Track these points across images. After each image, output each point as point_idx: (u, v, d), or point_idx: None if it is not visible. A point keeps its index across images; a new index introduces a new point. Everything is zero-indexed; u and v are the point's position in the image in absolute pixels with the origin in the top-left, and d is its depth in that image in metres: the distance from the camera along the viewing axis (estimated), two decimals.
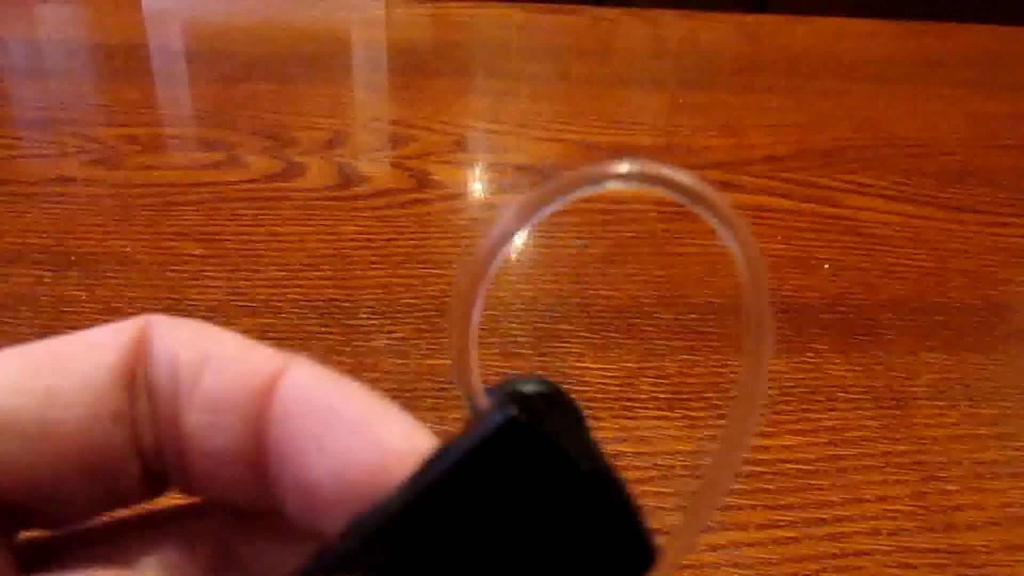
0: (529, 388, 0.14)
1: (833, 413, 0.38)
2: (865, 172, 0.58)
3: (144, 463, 0.15)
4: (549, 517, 0.14)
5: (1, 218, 0.48)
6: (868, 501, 0.34)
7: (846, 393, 0.39)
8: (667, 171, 0.13)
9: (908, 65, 0.78)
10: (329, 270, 0.45)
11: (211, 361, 0.14)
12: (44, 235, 0.46)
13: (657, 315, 0.43)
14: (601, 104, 0.66)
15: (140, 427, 0.14)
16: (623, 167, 0.13)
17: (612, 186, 0.13)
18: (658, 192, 0.13)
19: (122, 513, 0.16)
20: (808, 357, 0.41)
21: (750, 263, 0.13)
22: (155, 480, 0.15)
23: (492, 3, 0.84)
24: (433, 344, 0.40)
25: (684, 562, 0.14)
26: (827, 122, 0.65)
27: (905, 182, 0.57)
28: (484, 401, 0.14)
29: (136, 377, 0.14)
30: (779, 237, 0.50)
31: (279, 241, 0.47)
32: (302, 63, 0.69)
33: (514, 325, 0.42)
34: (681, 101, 0.68)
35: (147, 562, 0.15)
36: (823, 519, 0.34)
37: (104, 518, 0.15)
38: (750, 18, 0.87)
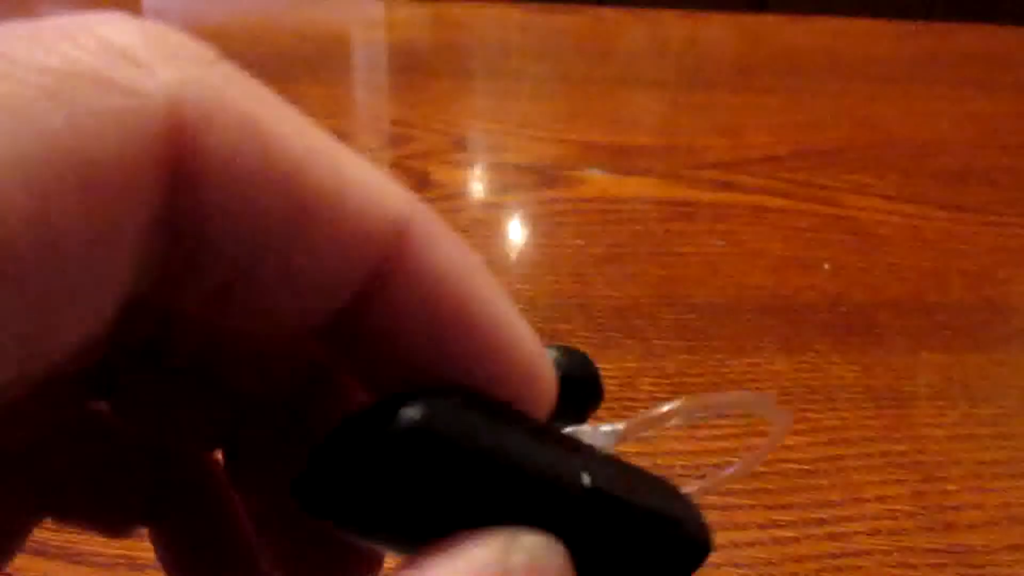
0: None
1: (833, 413, 0.38)
2: (865, 172, 0.58)
3: None
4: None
5: None
6: (868, 501, 0.34)
7: (846, 393, 0.39)
8: None
9: (908, 65, 0.78)
10: None
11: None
12: None
13: (657, 315, 0.43)
14: (601, 104, 0.66)
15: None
16: None
17: None
18: None
19: None
20: (808, 357, 0.41)
21: None
22: None
23: (492, 3, 0.84)
24: None
25: None
26: (827, 122, 0.65)
27: (905, 182, 0.57)
28: None
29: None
30: (779, 237, 0.50)
31: None
32: (302, 63, 0.69)
33: None
34: (681, 101, 0.68)
35: None
36: (823, 519, 0.34)
37: None
38: (750, 18, 0.87)
